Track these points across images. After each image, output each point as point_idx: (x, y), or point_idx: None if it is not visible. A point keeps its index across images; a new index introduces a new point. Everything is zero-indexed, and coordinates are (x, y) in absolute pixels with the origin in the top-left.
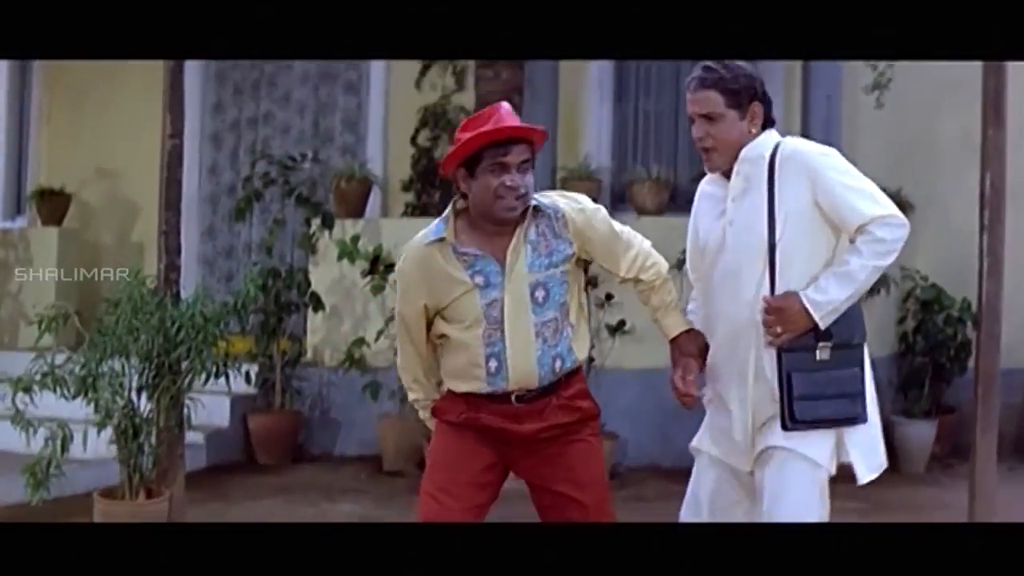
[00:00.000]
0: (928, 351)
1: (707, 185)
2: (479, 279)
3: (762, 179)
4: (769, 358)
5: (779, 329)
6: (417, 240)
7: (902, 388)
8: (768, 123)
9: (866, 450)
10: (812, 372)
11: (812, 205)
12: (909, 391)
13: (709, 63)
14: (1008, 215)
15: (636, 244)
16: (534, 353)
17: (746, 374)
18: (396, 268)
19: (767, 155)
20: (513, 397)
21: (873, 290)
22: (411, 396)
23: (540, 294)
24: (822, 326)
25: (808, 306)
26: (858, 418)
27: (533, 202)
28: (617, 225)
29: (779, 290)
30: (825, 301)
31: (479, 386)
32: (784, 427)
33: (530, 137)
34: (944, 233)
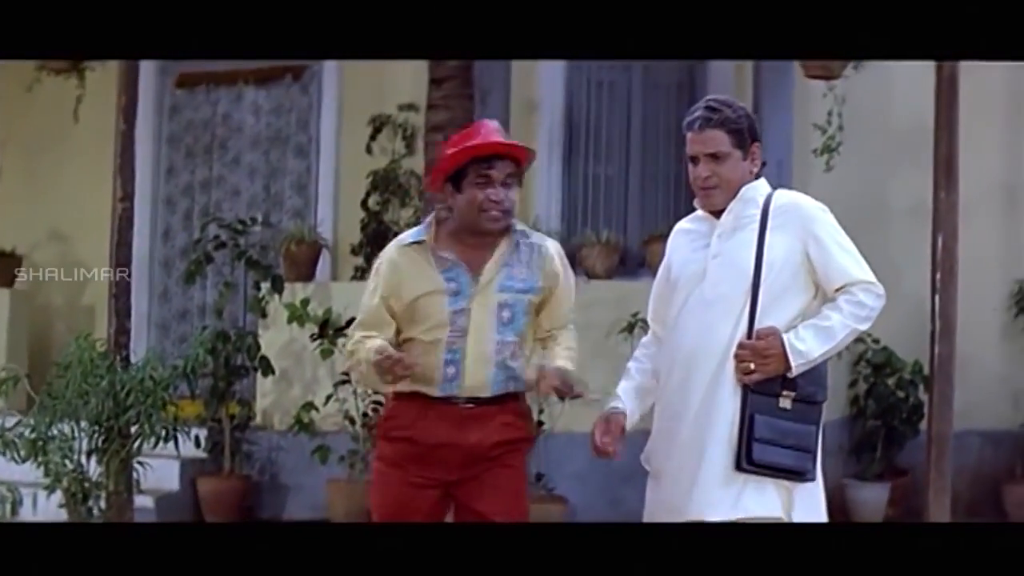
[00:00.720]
0: (880, 414)
1: (686, 223)
2: (452, 285)
3: (754, 220)
4: (728, 396)
5: (752, 367)
6: (396, 240)
7: (854, 451)
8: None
9: (814, 514)
10: (773, 418)
11: (802, 255)
12: (861, 454)
13: (712, 103)
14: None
15: (570, 305)
16: (491, 369)
17: (698, 408)
18: (373, 267)
19: (761, 200)
20: (461, 401)
21: None
22: (352, 342)
23: (506, 314)
24: (794, 373)
25: (789, 352)
26: (807, 474)
27: (519, 227)
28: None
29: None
30: (805, 351)
31: (432, 390)
32: (738, 467)
33: (515, 154)
34: (895, 296)
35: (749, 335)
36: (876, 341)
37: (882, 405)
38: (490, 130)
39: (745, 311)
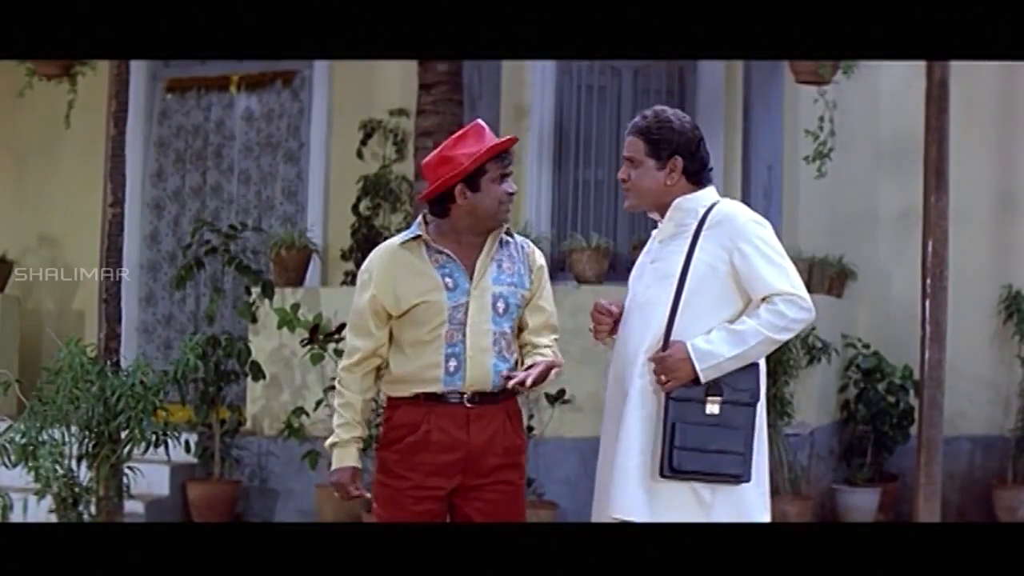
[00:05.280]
0: (870, 419)
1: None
2: (448, 281)
3: (690, 229)
4: (645, 400)
5: (664, 377)
6: (389, 241)
7: (844, 456)
8: (703, 180)
9: (737, 516)
10: (697, 425)
11: (727, 265)
12: (851, 459)
13: (646, 111)
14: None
15: (553, 311)
16: (491, 358)
17: (624, 410)
18: (362, 268)
19: (701, 210)
20: (465, 398)
21: (814, 359)
22: (338, 419)
23: (501, 306)
24: (703, 378)
25: (691, 354)
26: (740, 477)
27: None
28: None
29: (675, 336)
30: (709, 351)
31: (436, 387)
32: (661, 474)
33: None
34: (885, 301)
35: (665, 341)
36: (867, 346)
37: (872, 410)
38: (486, 127)
39: (664, 316)
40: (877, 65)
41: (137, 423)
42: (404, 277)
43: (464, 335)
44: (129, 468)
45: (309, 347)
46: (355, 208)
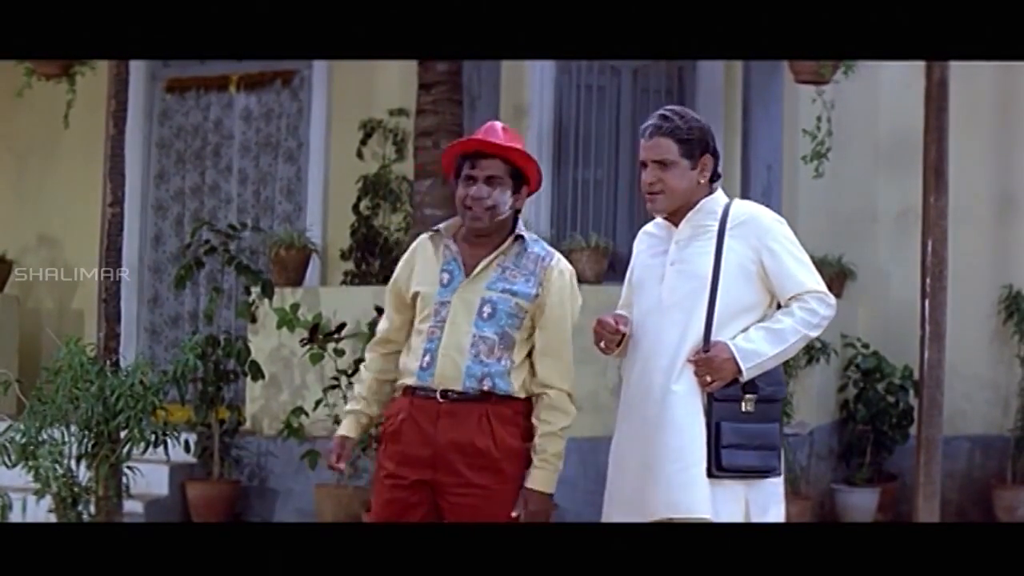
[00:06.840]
0: (869, 419)
1: (650, 227)
2: (445, 277)
3: (711, 231)
4: (685, 397)
5: (708, 378)
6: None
7: (843, 456)
8: (715, 176)
9: (771, 508)
10: (738, 423)
11: (757, 265)
12: (851, 459)
13: (665, 112)
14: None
15: (567, 355)
16: (464, 360)
17: (655, 407)
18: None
19: (719, 211)
20: (438, 394)
21: (813, 358)
22: (356, 388)
23: (487, 310)
24: (745, 377)
25: (736, 354)
26: (775, 470)
27: (533, 238)
28: (570, 325)
29: (713, 335)
30: (752, 351)
31: (413, 380)
32: (710, 474)
33: (503, 153)
34: (884, 301)
35: (706, 341)
36: (866, 346)
37: (872, 410)
38: (488, 130)
39: (700, 317)
40: (876, 65)
41: (136, 423)
42: (419, 266)
43: (443, 332)
44: (128, 468)
45: (308, 347)
46: (355, 208)
